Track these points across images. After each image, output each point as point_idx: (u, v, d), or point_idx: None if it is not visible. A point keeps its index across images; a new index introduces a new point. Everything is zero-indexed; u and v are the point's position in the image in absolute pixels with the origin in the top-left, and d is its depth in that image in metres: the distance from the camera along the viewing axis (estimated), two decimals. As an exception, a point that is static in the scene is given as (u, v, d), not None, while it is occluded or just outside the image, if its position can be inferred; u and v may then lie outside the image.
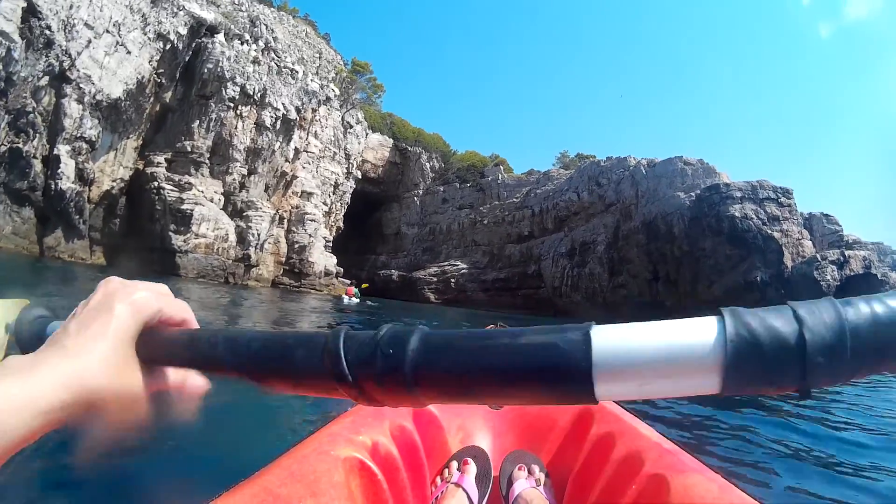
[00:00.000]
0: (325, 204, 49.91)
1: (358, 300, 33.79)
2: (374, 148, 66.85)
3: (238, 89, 37.91)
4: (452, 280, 59.35)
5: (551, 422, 2.10)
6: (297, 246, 43.44)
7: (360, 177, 59.49)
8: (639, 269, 44.59)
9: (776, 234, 37.44)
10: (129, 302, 0.64)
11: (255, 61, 39.77)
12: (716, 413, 5.98)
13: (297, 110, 41.78)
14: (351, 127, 55.63)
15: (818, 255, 36.79)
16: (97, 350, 0.57)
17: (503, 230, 59.44)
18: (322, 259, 45.03)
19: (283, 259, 42.96)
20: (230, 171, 37.89)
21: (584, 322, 0.40)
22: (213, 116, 37.24)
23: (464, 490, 1.71)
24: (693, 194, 41.57)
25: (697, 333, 0.48)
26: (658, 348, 0.48)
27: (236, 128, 38.14)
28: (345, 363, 0.55)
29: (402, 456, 1.56)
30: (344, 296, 34.96)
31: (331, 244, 49.13)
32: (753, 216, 38.06)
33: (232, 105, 37.84)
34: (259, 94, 39.11)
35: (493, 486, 1.86)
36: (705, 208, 39.71)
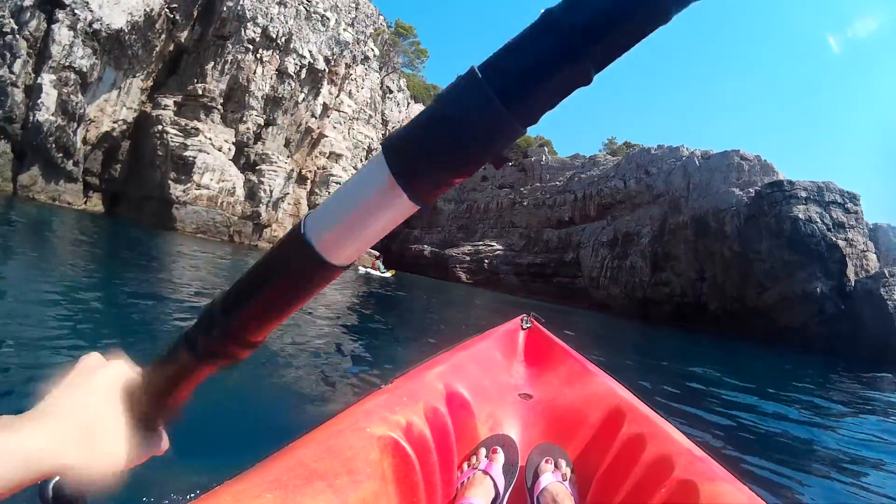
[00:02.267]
0: (355, 168, 44.91)
1: (381, 273, 30.93)
2: (417, 119, 61.67)
3: (259, 31, 32.86)
4: (486, 261, 55.18)
5: (582, 417, 2.00)
6: (305, 217, 38.65)
7: (398, 146, 54.14)
8: (684, 267, 39.72)
9: (840, 243, 32.18)
10: (105, 376, 0.63)
11: (282, 2, 34.56)
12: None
13: (327, 61, 36.50)
14: (391, 92, 50.77)
15: (885, 271, 31.46)
16: (70, 420, 0.56)
17: (543, 213, 54.96)
18: (344, 225, 40.22)
19: (303, 222, 38.26)
20: (244, 119, 32.96)
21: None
22: (228, 59, 32.35)
23: (491, 478, 1.65)
24: (752, 190, 36.32)
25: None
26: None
27: (255, 73, 33.08)
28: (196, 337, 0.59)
29: (433, 438, 1.53)
30: (368, 268, 31.95)
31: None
32: (818, 220, 32.80)
33: (251, 47, 32.81)
34: (283, 39, 34.00)
35: (519, 476, 1.77)
36: (765, 206, 34.46)
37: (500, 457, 1.75)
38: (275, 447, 1.11)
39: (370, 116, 46.61)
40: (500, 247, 55.82)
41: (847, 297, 31.35)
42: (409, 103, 56.73)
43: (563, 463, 1.75)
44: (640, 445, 1.55)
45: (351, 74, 43.00)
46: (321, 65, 35.76)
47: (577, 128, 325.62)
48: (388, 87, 50.35)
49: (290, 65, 34.20)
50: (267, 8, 33.48)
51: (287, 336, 6.32)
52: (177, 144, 29.80)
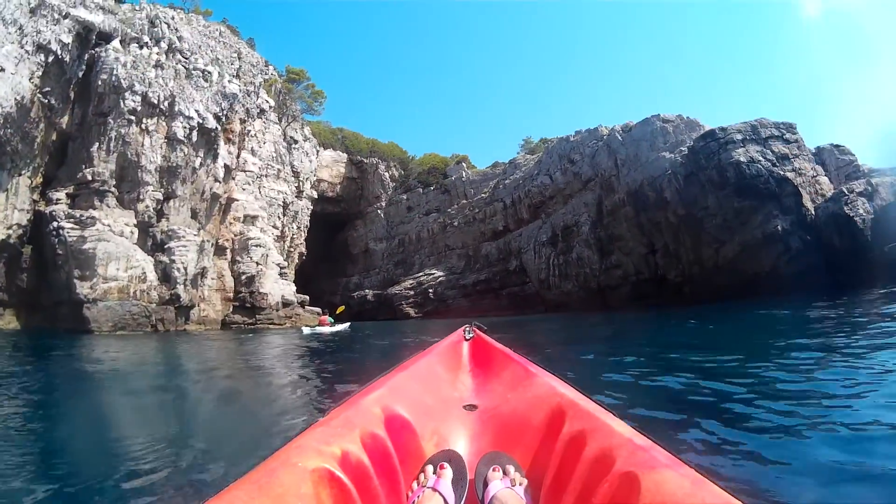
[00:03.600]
0: (274, 227, 41.81)
1: (332, 329, 27.17)
2: (329, 165, 60.26)
3: (139, 98, 29.53)
4: (430, 290, 52.31)
5: (525, 421, 2.02)
6: (244, 277, 35.29)
7: (316, 197, 52.16)
8: (632, 245, 37.80)
9: (789, 175, 30.57)
10: None
11: (158, 65, 31.37)
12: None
13: (217, 118, 33.30)
14: (295, 142, 47.84)
15: (843, 188, 29.93)
16: None
17: (476, 229, 52.72)
18: (276, 288, 36.94)
19: (232, 294, 34.81)
20: (142, 197, 29.49)
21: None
22: (112, 135, 28.91)
23: (440, 494, 1.64)
24: (684, 149, 34.69)
25: None
26: None
27: (143, 145, 29.67)
28: None
29: (373, 464, 1.53)
30: (317, 327, 27.98)
31: (287, 271, 41.27)
32: (760, 158, 31.08)
33: (134, 118, 29.41)
34: (166, 103, 30.69)
35: (469, 488, 1.77)
36: (702, 160, 32.67)
37: (448, 472, 1.74)
38: (209, 495, 1.09)
39: (279, 171, 43.57)
40: (440, 273, 53.21)
41: (810, 227, 29.86)
42: (317, 151, 54.09)
43: (511, 469, 1.75)
44: (581, 442, 1.55)
45: (249, 131, 40.03)
46: (211, 123, 32.55)
47: (491, 137, 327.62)
48: (291, 137, 47.47)
49: (179, 129, 30.88)
50: (143, 73, 30.24)
51: (242, 409, 6.33)
52: (74, 238, 26.21)
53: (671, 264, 35.24)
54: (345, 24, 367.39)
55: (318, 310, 41.72)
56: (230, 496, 1.08)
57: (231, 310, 34.54)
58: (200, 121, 31.93)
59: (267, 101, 43.45)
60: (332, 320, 29.68)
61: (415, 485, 1.72)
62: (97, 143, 28.84)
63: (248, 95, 38.41)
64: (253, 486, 1.13)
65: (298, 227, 47.03)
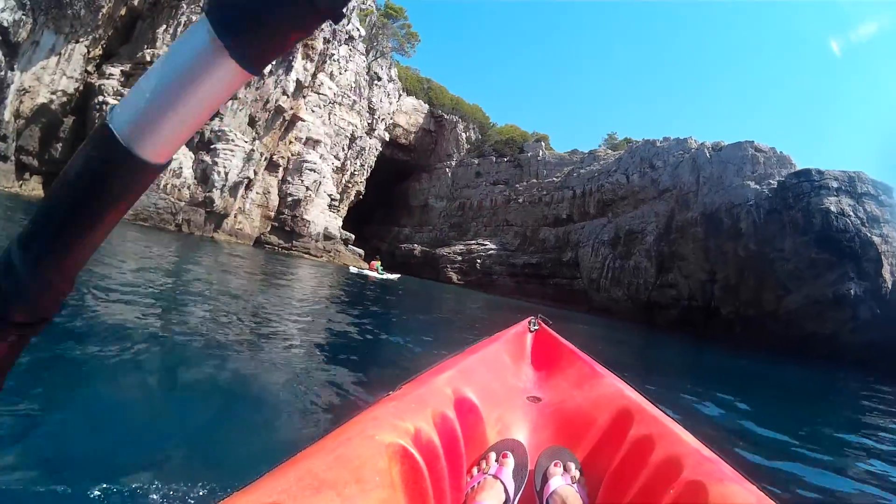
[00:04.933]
0: (336, 157, 39.65)
1: (379, 276, 26.61)
2: (408, 112, 57.69)
3: (216, -13, 27.49)
4: (478, 261, 50.18)
5: (590, 419, 1.95)
6: (290, 199, 33.36)
7: (387, 140, 50.15)
8: (693, 268, 34.68)
9: (875, 239, 27.28)
10: None
11: (245, -43, 29.26)
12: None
13: (299, 28, 31.08)
14: (379, 79, 45.55)
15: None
16: None
17: (539, 211, 49.99)
18: (322, 219, 34.97)
19: (273, 214, 32.93)
20: (199, 90, 27.62)
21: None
22: (182, 20, 27.12)
23: (501, 482, 1.61)
24: (773, 182, 31.36)
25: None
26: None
27: (212, 36, 27.70)
28: None
29: (442, 444, 1.48)
30: (365, 270, 27.71)
31: (339, 205, 39.28)
32: (851, 214, 27.84)
33: (208, 7, 27.43)
34: (245, -1, 28.60)
35: (529, 480, 1.74)
36: (790, 199, 29.56)
37: (510, 461, 1.72)
38: (283, 457, 1.05)
39: (354, 102, 41.25)
40: (493, 246, 50.86)
41: (883, 300, 26.46)
42: (399, 95, 51.79)
43: (572, 466, 1.72)
44: (648, 446, 1.53)
45: (333, 54, 37.72)
46: (292, 32, 30.38)
47: (576, 124, 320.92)
48: (376, 73, 45.18)
49: (254, 28, 28.85)
50: (229, -37, 28.20)
51: (284, 344, 6.09)
52: (118, 117, 24.57)
53: (728, 299, 32.27)
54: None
55: (361, 251, 40.06)
56: (308, 463, 1.02)
57: (269, 229, 32.69)
58: (280, 25, 29.76)
59: (358, 30, 40.97)
60: (381, 268, 28.75)
61: (475, 470, 1.69)
62: (164, 26, 27.02)
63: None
64: (330, 455, 1.08)
65: (362, 165, 44.94)
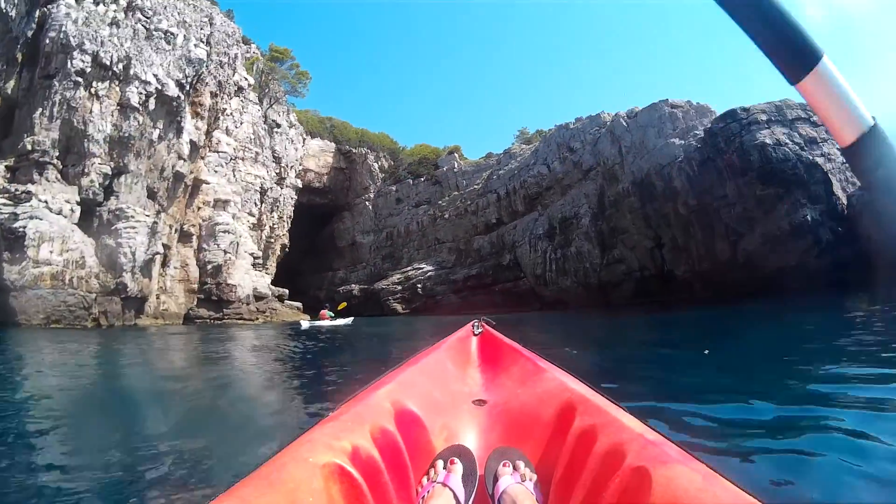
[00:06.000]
0: (250, 214, 37.39)
1: (332, 323, 25.75)
2: (316, 155, 56.26)
3: (89, 59, 25.00)
4: (419, 285, 48.24)
5: (535, 416, 1.97)
6: (210, 266, 30.96)
7: (301, 186, 47.93)
8: (636, 239, 33.73)
9: (819, 160, 26.74)
10: None
11: (114, 23, 26.73)
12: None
13: (181, 86, 28.66)
14: (278, 126, 43.50)
15: (882, 174, 25.70)
16: None
17: (467, 222, 48.57)
18: (247, 280, 32.68)
19: (197, 286, 30.42)
20: (87, 170, 25.02)
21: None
22: (56, 99, 24.48)
23: (450, 489, 1.60)
24: (699, 132, 30.81)
25: None
26: None
27: (91, 111, 25.12)
28: None
29: (384, 459, 1.48)
30: (317, 321, 26.19)
31: (267, 262, 37.18)
32: (788, 141, 27.20)
33: (82, 81, 24.92)
34: (120, 65, 26.13)
35: (479, 484, 1.74)
36: (721, 143, 28.74)
37: (458, 467, 1.71)
38: (220, 490, 1.05)
39: (257, 154, 39.14)
40: (430, 267, 49.18)
41: (842, 217, 26.12)
42: (304, 139, 49.82)
43: (521, 464, 1.72)
44: (592, 437, 1.51)
45: (225, 109, 35.56)
46: (173, 90, 28.01)
47: (484, 129, 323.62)
48: (274, 120, 43.17)
49: (134, 95, 26.36)
50: (96, 31, 25.76)
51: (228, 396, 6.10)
52: (6, 216, 21.89)
53: (679, 259, 31.43)
54: (334, 10, 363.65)
55: (299, 304, 39.17)
56: (241, 493, 1.02)
57: (196, 302, 30.18)
58: (159, 87, 27.41)
59: (246, 79, 38.98)
60: (332, 315, 27.77)
61: (424, 480, 1.67)
62: (40, 109, 24.45)
63: (221, 67, 33.68)
64: (263, 481, 1.07)
65: (280, 217, 42.62)
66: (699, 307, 24.13)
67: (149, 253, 25.96)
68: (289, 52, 47.45)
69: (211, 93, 32.60)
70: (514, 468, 1.68)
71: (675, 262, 31.56)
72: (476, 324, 3.38)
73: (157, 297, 27.68)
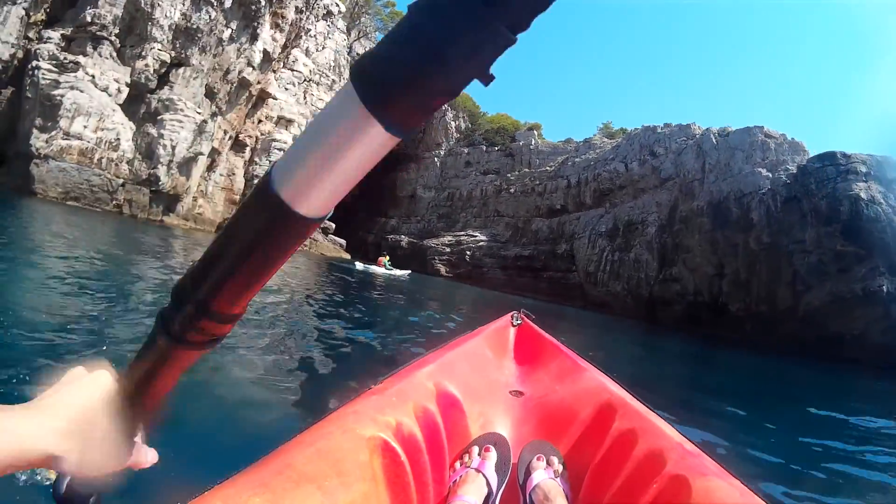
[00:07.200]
0: (311, 139, 35.78)
1: (387, 271, 25.99)
2: (395, 99, 53.45)
3: (167, -63, 23.47)
4: (468, 253, 46.77)
5: (572, 413, 1.90)
6: (256, 181, 29.41)
7: (372, 126, 45.52)
8: (699, 262, 31.13)
9: None
10: (90, 384, 0.62)
11: None
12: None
13: (264, -11, 26.93)
14: (362, 60, 41.63)
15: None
16: (62, 416, 0.56)
17: (532, 201, 46.50)
18: (292, 205, 31.07)
19: (238, 197, 29.13)
20: (145, 53, 23.55)
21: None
22: (130, -25, 23.01)
23: (484, 476, 1.58)
24: (790, 167, 28.21)
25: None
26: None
27: (161, -6, 23.62)
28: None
29: (424, 438, 1.48)
30: (372, 266, 26.35)
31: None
32: (882, 201, 24.17)
33: (157, -39, 23.40)
34: (200, -50, 24.54)
35: (512, 473, 1.71)
36: (812, 186, 26.10)
37: (493, 455, 1.68)
38: (263, 451, 1.04)
39: (333, 83, 37.41)
40: (483, 237, 47.48)
41: (918, 300, 23.10)
42: (385, 80, 47.84)
43: (554, 460, 1.69)
44: (631, 440, 1.50)
45: (309, 30, 33.85)
46: (254, -10, 26.26)
47: (569, 114, 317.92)
48: (358, 54, 41.32)
49: (209, -15, 24.76)
50: None
51: (269, 338, 5.67)
52: (48, 82, 20.76)
53: (737, 294, 28.87)
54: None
55: (343, 241, 38.53)
56: (288, 457, 1.00)
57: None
58: (240, -18, 25.69)
59: (337, 5, 37.16)
60: (389, 264, 27.88)
61: (457, 464, 1.65)
62: (110, -16, 23.00)
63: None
64: (310, 448, 1.06)
65: (343, 151, 40.93)
66: (750, 352, 21.79)
67: (191, 151, 24.54)
68: (387, -13, 45.58)
69: (296, 7, 30.85)
70: (548, 463, 1.64)
71: (731, 296, 29.13)
72: (515, 315, 3.21)
73: (195, 200, 26.46)
